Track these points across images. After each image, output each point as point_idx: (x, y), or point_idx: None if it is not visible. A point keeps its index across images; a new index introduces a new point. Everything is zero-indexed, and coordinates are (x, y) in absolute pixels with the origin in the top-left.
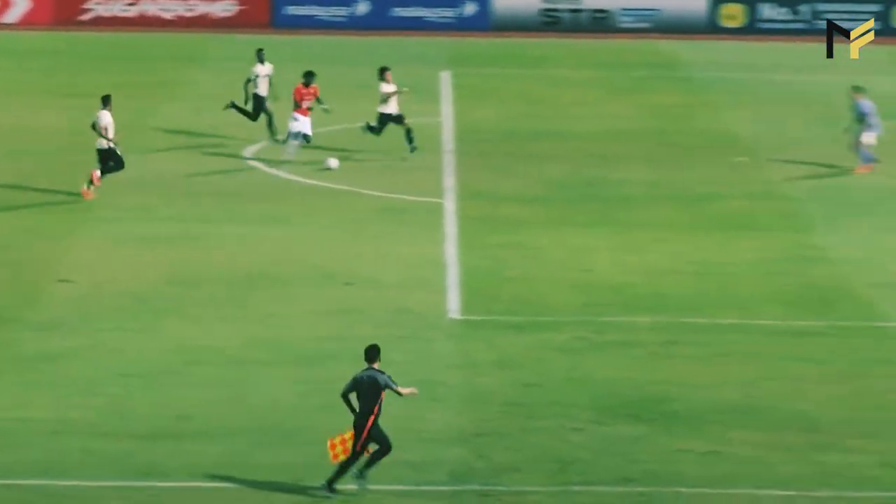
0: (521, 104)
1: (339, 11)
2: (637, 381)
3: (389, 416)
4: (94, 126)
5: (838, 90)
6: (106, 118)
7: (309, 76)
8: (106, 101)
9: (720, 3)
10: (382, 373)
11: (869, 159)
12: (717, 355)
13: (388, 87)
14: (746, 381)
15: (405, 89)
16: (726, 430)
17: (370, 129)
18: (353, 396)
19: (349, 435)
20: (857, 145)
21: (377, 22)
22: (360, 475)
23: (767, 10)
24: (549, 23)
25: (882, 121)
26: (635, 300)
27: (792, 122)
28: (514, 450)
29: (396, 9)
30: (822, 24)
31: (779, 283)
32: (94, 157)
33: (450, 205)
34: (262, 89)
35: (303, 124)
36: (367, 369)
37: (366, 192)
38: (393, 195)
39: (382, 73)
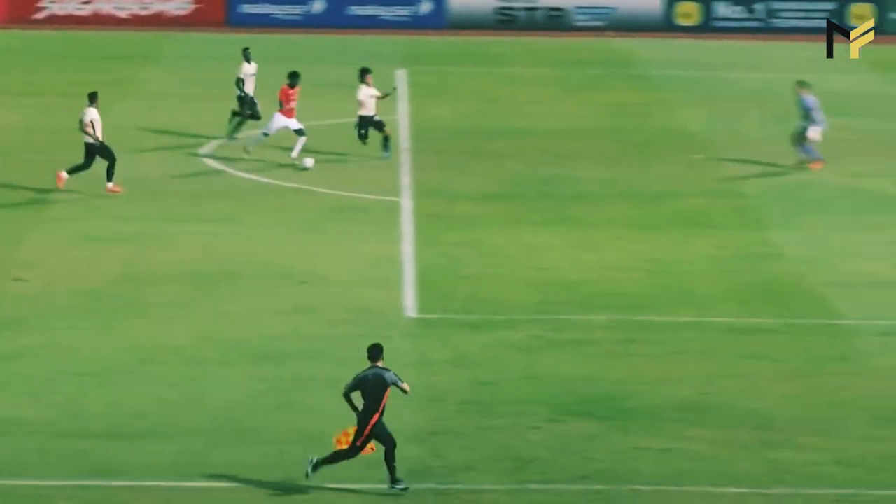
0: (477, 102)
1: (295, 10)
2: (593, 379)
3: (346, 416)
4: (81, 123)
5: (793, 88)
6: (92, 114)
7: (294, 77)
8: (92, 98)
9: (675, 1)
10: (388, 370)
11: (815, 155)
12: (673, 353)
13: (367, 91)
14: (702, 379)
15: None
16: (682, 427)
17: (361, 137)
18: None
19: (352, 429)
20: (800, 141)
21: (333, 20)
22: (394, 483)
23: (723, 9)
24: (505, 21)
25: (837, 119)
26: (591, 298)
27: (747, 120)
28: (470, 448)
29: (352, 7)
30: (778, 23)
31: (734, 281)
32: (52, 155)
33: (406, 203)
34: (250, 88)
35: (277, 125)
36: (371, 367)
37: (322, 190)
38: (349, 193)
39: (363, 75)
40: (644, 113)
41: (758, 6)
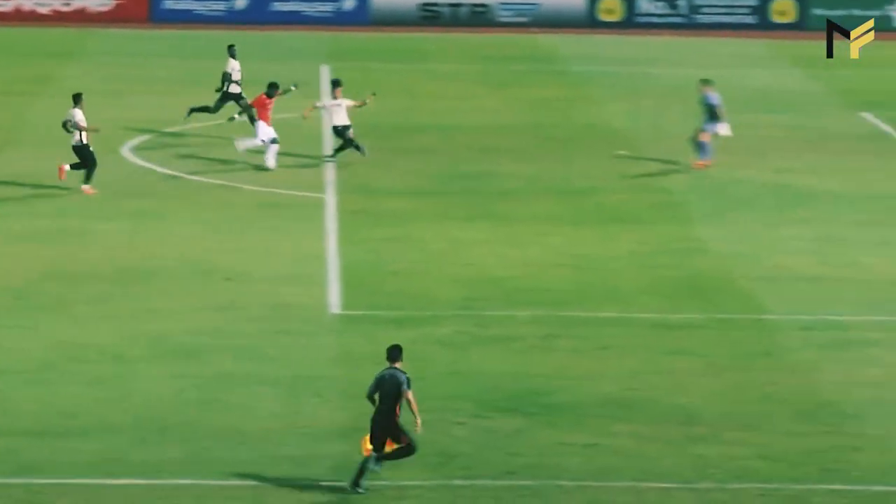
0: (402, 98)
1: (218, 6)
2: (518, 375)
3: (269, 412)
4: (65, 125)
5: (718, 84)
6: (77, 115)
7: (272, 87)
8: (77, 100)
9: None
10: (403, 373)
11: (707, 154)
12: (597, 348)
13: (337, 102)
14: (627, 374)
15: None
16: (607, 423)
17: (356, 148)
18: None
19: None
20: (699, 138)
21: (256, 16)
22: (356, 485)
23: (645, 5)
24: (429, 17)
25: (761, 115)
26: (516, 294)
27: (670, 116)
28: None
29: (275, 3)
30: (701, 19)
31: (659, 277)
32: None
33: (331, 199)
34: (235, 85)
35: (270, 130)
36: (389, 368)
37: (246, 186)
38: (273, 190)
39: (334, 88)
40: (567, 109)
41: (680, 2)
